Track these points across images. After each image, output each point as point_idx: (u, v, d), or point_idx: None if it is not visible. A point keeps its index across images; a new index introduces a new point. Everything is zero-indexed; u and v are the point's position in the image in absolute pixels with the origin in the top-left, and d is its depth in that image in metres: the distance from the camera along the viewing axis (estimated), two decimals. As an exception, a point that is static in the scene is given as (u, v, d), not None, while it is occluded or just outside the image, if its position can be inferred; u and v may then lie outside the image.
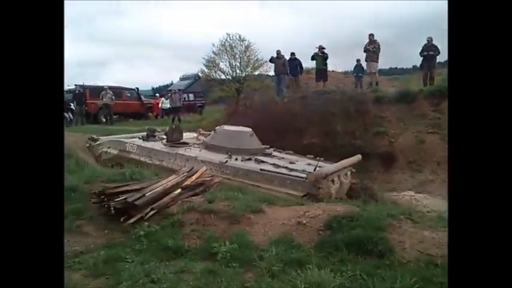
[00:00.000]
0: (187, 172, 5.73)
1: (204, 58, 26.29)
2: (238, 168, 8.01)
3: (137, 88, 23.81)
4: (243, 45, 25.00)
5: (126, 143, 10.00)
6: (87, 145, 10.94)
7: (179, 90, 25.37)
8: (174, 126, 10.83)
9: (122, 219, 4.44)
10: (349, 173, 8.71)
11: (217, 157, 8.46)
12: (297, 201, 5.78)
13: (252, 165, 8.16)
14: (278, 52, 16.23)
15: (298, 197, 6.65)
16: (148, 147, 9.53)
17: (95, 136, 10.92)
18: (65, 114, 19.81)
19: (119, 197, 4.55)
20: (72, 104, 20.11)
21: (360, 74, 15.52)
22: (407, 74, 19.74)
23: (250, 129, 9.72)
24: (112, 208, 4.42)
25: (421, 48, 13.54)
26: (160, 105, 22.57)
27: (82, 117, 19.63)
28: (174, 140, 9.75)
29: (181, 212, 4.72)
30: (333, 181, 7.71)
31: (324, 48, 15.97)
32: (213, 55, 26.04)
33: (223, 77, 26.78)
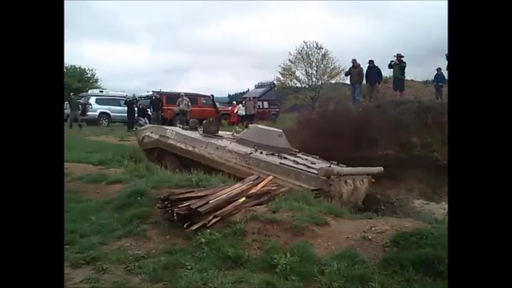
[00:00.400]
0: (253, 180, 5.77)
1: (280, 66, 26.49)
2: (260, 160, 8.65)
3: (212, 95, 24.60)
4: (320, 54, 24.91)
5: (167, 129, 11.15)
6: (134, 129, 12.47)
7: (254, 97, 25.81)
8: (211, 120, 11.60)
9: (184, 226, 4.57)
10: (365, 180, 8.89)
11: (245, 149, 9.09)
12: (366, 215, 5.56)
13: (273, 159, 8.73)
14: (353, 61, 15.91)
15: (310, 191, 7.01)
16: (185, 134, 10.45)
17: (141, 122, 12.22)
18: (142, 119, 20.97)
19: (183, 203, 4.69)
20: (149, 110, 21.19)
21: (440, 84, 14.73)
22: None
23: (281, 131, 10.38)
24: (175, 214, 4.56)
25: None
26: (236, 111, 23.11)
27: (158, 123, 20.61)
28: (210, 132, 10.53)
29: (244, 221, 4.75)
30: (346, 182, 8.19)
31: (402, 56, 15.37)
32: (289, 63, 26.20)
33: (298, 85, 26.81)
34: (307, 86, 26.10)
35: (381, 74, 15.83)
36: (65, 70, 33.72)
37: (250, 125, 11.60)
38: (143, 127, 12.16)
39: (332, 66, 25.00)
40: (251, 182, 5.68)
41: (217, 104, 25.12)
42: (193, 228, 4.51)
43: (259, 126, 10.98)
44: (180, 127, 11.76)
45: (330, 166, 8.34)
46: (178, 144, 10.24)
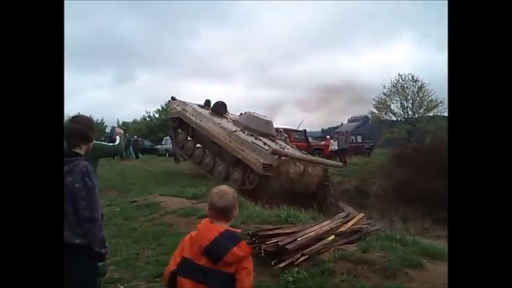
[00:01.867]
0: (343, 218, 5.63)
1: (374, 100, 26.01)
2: (237, 135, 11.64)
3: (305, 130, 24.67)
4: (416, 86, 24.09)
5: (187, 104, 14.67)
6: (168, 101, 17.41)
7: (346, 132, 25.39)
8: (219, 102, 14.40)
9: (272, 263, 4.55)
10: (319, 168, 11.23)
11: (234, 128, 12.22)
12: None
13: (249, 138, 11.46)
14: None
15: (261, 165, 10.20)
16: (197, 110, 13.99)
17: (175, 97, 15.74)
18: None
19: (270, 240, 4.70)
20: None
21: None
22: None
23: (269, 120, 13.45)
24: (263, 250, 4.58)
25: None
26: (330, 147, 22.88)
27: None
28: (218, 112, 13.81)
29: (332, 260, 4.61)
30: (295, 164, 10.59)
31: None
32: (383, 96, 25.63)
33: (393, 118, 26.00)
34: (402, 120, 25.16)
35: None
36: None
37: (246, 111, 14.13)
38: (173, 101, 15.90)
39: (429, 99, 23.91)
40: (341, 219, 5.54)
41: (310, 139, 25.11)
42: (280, 266, 4.47)
43: (252, 113, 13.52)
44: (197, 105, 14.82)
45: (283, 148, 11.21)
46: (191, 117, 13.81)
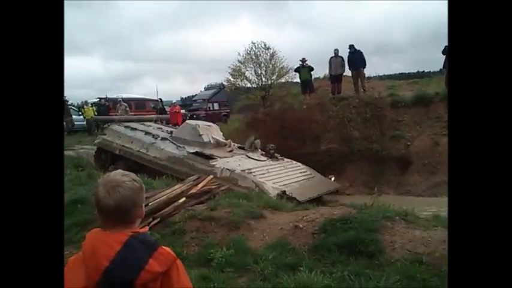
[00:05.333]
0: (194, 181, 5.95)
1: (229, 67, 26.57)
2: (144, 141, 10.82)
3: (161, 99, 24.34)
4: (268, 53, 25.21)
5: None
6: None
7: (203, 99, 25.75)
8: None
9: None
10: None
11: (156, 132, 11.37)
12: (304, 206, 5.87)
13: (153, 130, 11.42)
14: (303, 59, 16.11)
15: None
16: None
17: None
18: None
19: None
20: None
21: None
22: (430, 77, 19.37)
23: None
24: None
25: (443, 48, 13.22)
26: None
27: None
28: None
29: (183, 220, 4.92)
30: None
31: (306, 60, 15.61)
32: (238, 64, 26.38)
33: (248, 85, 26.99)
34: (256, 86, 26.33)
35: (365, 59, 14.65)
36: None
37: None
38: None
39: (281, 66, 25.36)
40: (191, 182, 5.85)
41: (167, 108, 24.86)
42: (131, 231, 4.58)
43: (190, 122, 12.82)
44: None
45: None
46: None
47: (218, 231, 4.75)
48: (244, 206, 5.30)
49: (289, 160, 10.33)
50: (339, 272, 3.69)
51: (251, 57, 26.16)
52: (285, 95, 21.31)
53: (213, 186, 6.06)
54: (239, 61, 26.80)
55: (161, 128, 12.08)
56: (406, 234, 4.17)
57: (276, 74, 25.95)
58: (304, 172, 9.91)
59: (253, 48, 26.04)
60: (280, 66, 25.49)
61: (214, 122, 23.22)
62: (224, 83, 29.97)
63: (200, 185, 5.81)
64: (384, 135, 11.80)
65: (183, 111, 25.02)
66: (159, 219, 4.86)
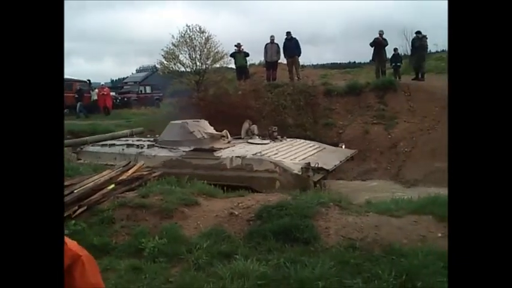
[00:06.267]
0: (123, 167, 5.63)
1: (162, 50, 25.81)
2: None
3: (89, 80, 23.07)
4: (203, 37, 24.70)
5: None
6: None
7: (135, 82, 24.82)
8: None
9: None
10: None
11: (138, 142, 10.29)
12: (239, 193, 5.78)
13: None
14: (238, 45, 15.92)
15: None
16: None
17: None
18: None
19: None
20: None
21: (398, 64, 14.06)
22: (360, 67, 20.15)
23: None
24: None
25: (372, 41, 13.76)
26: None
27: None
28: None
29: (112, 208, 4.64)
30: None
31: (241, 45, 15.58)
32: (172, 47, 25.63)
33: (182, 69, 26.39)
34: (191, 70, 25.85)
35: (300, 47, 14.68)
36: None
37: None
38: None
39: (216, 50, 24.98)
40: (121, 168, 5.54)
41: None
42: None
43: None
44: None
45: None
46: None
47: (150, 219, 4.53)
48: (177, 193, 5.11)
49: (291, 139, 9.92)
50: (274, 259, 3.65)
51: (185, 41, 25.53)
52: (220, 80, 21.09)
53: (145, 172, 5.78)
54: (173, 44, 26.02)
55: (141, 140, 10.83)
56: (340, 220, 4.23)
57: (211, 58, 25.56)
58: (313, 146, 9.45)
59: (188, 31, 25.38)
60: (215, 51, 25.10)
61: (145, 106, 22.60)
62: (157, 65, 29.05)
63: (131, 171, 5.51)
64: (317, 123, 12.05)
65: (112, 93, 23.95)
66: (85, 207, 4.54)
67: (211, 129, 9.91)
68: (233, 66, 17.69)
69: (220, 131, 10.65)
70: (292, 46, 14.35)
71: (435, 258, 3.42)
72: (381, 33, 13.60)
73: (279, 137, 9.74)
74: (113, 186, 5.04)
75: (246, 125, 10.19)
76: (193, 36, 25.50)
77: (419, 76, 13.27)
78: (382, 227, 4.03)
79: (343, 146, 9.93)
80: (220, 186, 6.18)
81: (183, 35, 25.84)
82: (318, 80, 14.76)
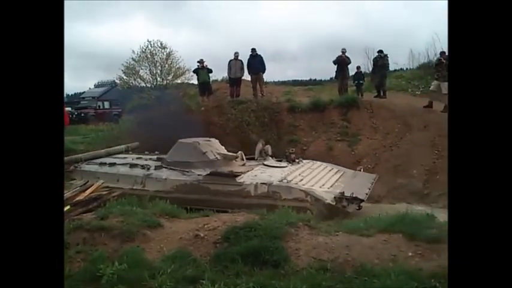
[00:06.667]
0: (81, 187, 5.30)
1: (122, 65, 25.32)
2: None
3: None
4: (164, 53, 24.42)
5: None
6: None
7: (93, 97, 24.09)
8: None
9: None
10: None
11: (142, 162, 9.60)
12: (203, 213, 5.56)
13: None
14: (201, 61, 15.72)
15: None
16: None
17: None
18: None
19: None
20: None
21: (361, 82, 13.96)
22: (322, 85, 20.46)
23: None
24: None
25: (335, 59, 13.94)
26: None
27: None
28: None
29: (67, 232, 4.29)
30: None
31: (204, 61, 15.43)
32: (132, 62, 25.19)
33: (143, 84, 25.92)
34: (152, 86, 25.46)
35: (264, 63, 14.58)
36: None
37: None
38: None
39: (177, 66, 24.73)
40: (78, 188, 5.20)
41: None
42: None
43: None
44: None
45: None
46: None
47: (109, 243, 4.23)
48: (139, 214, 4.84)
49: (308, 160, 9.39)
50: (243, 283, 3.46)
51: (146, 56, 25.21)
52: (181, 96, 20.81)
53: (104, 192, 5.47)
54: (133, 59, 25.62)
55: (140, 157, 10.02)
56: (310, 240, 4.11)
57: (172, 74, 25.32)
58: (332, 169, 8.92)
59: (149, 46, 25.11)
60: (177, 66, 24.88)
61: (104, 122, 21.93)
62: (116, 81, 28.49)
63: (88, 191, 5.19)
64: (281, 140, 12.02)
65: (68, 109, 23.14)
66: (37, 231, 4.17)
67: (223, 149, 9.26)
68: (195, 82, 17.48)
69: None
70: (256, 63, 14.34)
71: (407, 278, 3.36)
72: (344, 51, 13.84)
73: (297, 159, 9.17)
74: (68, 207, 4.71)
75: (259, 146, 9.51)
76: (154, 52, 25.17)
77: (381, 94, 13.58)
78: (353, 247, 3.93)
79: (362, 170, 9.49)
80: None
81: (144, 50, 25.46)
82: (281, 96, 14.82)
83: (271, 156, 9.39)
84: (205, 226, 4.55)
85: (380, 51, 13.82)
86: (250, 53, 14.47)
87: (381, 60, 13.69)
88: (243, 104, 13.62)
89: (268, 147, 9.59)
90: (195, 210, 6.28)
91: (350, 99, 13.04)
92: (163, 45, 24.59)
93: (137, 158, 9.80)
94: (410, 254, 3.75)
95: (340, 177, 8.37)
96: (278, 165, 8.65)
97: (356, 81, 14.12)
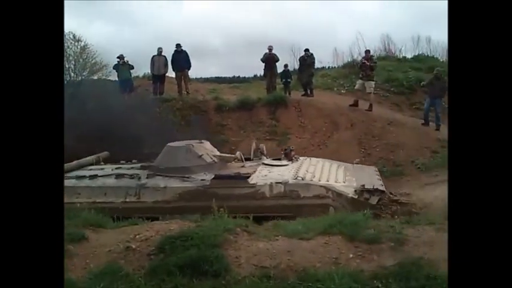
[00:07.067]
0: None
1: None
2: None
3: None
4: (78, 46, 22.98)
5: None
6: None
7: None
8: None
9: None
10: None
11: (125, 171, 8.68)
12: (131, 221, 5.17)
13: None
14: (121, 56, 14.83)
15: None
16: None
17: None
18: None
19: None
20: None
21: (288, 80, 13.96)
22: (248, 82, 20.46)
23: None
24: None
25: (262, 56, 13.86)
26: None
27: None
28: None
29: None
30: None
31: (124, 57, 14.74)
32: (42, 56, 23.42)
33: (53, 80, 24.26)
34: (65, 82, 23.82)
35: (189, 60, 14.03)
36: None
37: None
38: None
39: (93, 61, 23.35)
40: None
41: None
42: None
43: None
44: None
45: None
46: None
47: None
48: (60, 226, 4.36)
49: (304, 157, 8.96)
50: (183, 297, 3.25)
51: (58, 49, 23.61)
52: (99, 93, 19.69)
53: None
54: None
55: (120, 167, 8.87)
56: (251, 247, 3.97)
57: (88, 69, 23.92)
58: (333, 164, 8.49)
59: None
60: (93, 61, 23.55)
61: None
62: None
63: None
64: (209, 140, 11.73)
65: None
66: None
67: (216, 151, 8.65)
68: (114, 78, 16.58)
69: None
70: (181, 59, 13.89)
71: (351, 281, 3.36)
72: (271, 48, 13.77)
73: (295, 156, 8.77)
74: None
75: (254, 145, 9.04)
76: (67, 45, 23.55)
77: (309, 92, 13.79)
78: (294, 252, 3.85)
79: (358, 162, 9.33)
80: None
81: (54, 42, 23.79)
82: (207, 94, 14.54)
83: (266, 156, 9.02)
84: (137, 236, 4.22)
85: (306, 50, 14.04)
86: (175, 49, 13.99)
87: (308, 59, 13.90)
88: (167, 102, 13.15)
89: (263, 146, 9.26)
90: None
91: (278, 97, 13.12)
92: (77, 37, 23.05)
93: (116, 168, 8.73)
94: (351, 255, 3.75)
95: (345, 171, 8.12)
96: (280, 163, 8.32)
97: (284, 80, 14.20)
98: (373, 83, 12.59)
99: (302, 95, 13.84)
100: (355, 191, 6.89)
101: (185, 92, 13.97)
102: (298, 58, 15.51)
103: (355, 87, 13.13)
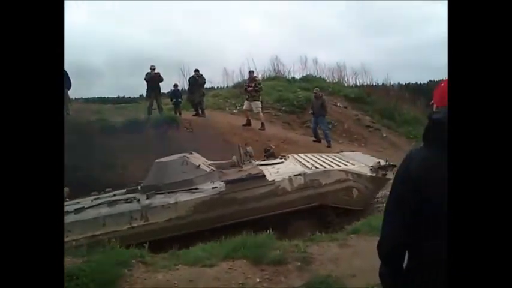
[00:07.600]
0: None
1: None
2: None
3: None
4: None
5: None
6: None
7: None
8: None
9: None
10: None
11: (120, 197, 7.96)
12: None
13: None
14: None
15: None
16: None
17: None
18: None
19: None
20: None
21: (179, 100, 13.83)
22: (136, 103, 19.61)
23: None
24: None
25: (145, 75, 13.40)
26: None
27: None
28: None
29: None
30: None
31: None
32: None
33: None
34: None
35: (69, 78, 12.67)
36: None
37: None
38: None
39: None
40: None
41: None
42: None
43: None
44: None
45: None
46: None
47: None
48: None
49: (290, 155, 8.92)
50: None
51: None
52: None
53: None
54: None
55: (98, 198, 7.67)
56: (149, 280, 3.59)
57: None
58: (327, 155, 8.64)
59: None
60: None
61: None
62: None
63: None
64: (95, 165, 10.83)
65: None
66: None
67: (207, 161, 8.20)
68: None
69: None
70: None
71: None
72: (153, 67, 13.39)
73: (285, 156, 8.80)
74: None
75: (241, 150, 8.64)
76: None
77: (200, 112, 13.60)
78: (197, 281, 3.58)
79: (342, 151, 9.56)
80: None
81: None
82: (92, 116, 13.52)
83: (254, 159, 8.75)
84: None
85: (197, 70, 13.93)
86: None
87: (199, 79, 13.78)
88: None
89: (251, 149, 8.98)
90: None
91: (169, 117, 12.74)
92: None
93: (95, 199, 7.58)
94: (258, 279, 3.59)
95: (344, 157, 8.23)
96: (275, 161, 8.24)
97: (174, 100, 13.86)
98: (259, 103, 12.91)
99: (193, 115, 13.63)
100: (371, 169, 7.03)
101: (65, 113, 12.82)
102: (188, 78, 15.32)
103: (244, 108, 13.38)
